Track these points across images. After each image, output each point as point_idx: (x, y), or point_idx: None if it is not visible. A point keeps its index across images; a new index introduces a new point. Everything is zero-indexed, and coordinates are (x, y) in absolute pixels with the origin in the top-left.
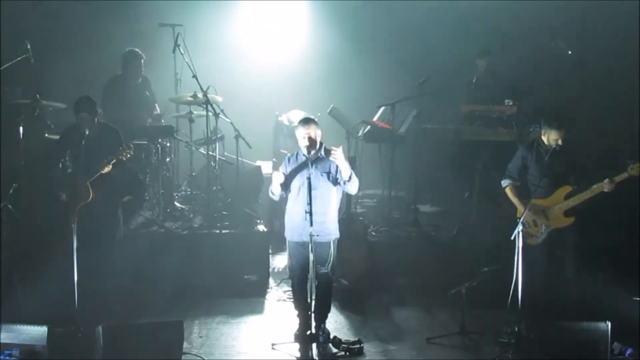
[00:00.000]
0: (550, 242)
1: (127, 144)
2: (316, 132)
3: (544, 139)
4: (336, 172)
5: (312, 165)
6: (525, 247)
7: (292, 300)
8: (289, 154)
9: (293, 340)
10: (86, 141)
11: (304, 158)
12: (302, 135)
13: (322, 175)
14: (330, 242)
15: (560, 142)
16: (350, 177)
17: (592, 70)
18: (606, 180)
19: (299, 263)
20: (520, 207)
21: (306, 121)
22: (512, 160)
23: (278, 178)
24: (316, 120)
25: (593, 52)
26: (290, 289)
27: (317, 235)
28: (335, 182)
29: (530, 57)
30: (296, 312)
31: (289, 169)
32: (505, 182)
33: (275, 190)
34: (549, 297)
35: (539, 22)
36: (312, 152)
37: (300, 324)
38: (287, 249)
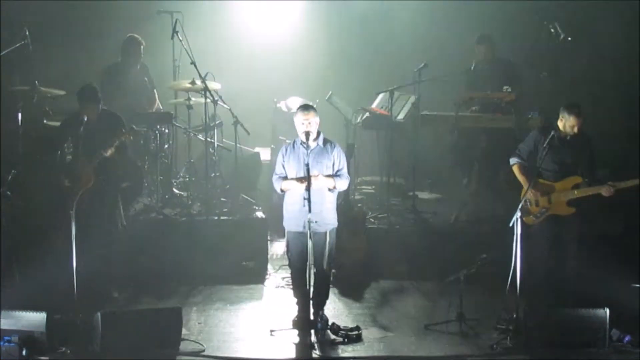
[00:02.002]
0: (553, 229)
1: (130, 127)
2: (315, 120)
3: (560, 125)
4: (333, 162)
5: (309, 154)
6: (526, 233)
7: (292, 287)
8: (285, 145)
9: (291, 326)
10: (85, 127)
11: (300, 146)
12: (300, 122)
13: (319, 164)
14: (327, 232)
15: (576, 129)
16: (335, 187)
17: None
18: (608, 183)
19: (297, 251)
20: (525, 186)
21: (305, 107)
22: (525, 141)
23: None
24: (315, 107)
25: (592, 42)
26: (289, 275)
27: (315, 222)
28: (332, 172)
29: (529, 43)
30: (295, 300)
31: (286, 159)
32: (513, 160)
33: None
34: (548, 284)
35: (538, 7)
36: (310, 140)
37: (299, 310)
38: (286, 238)
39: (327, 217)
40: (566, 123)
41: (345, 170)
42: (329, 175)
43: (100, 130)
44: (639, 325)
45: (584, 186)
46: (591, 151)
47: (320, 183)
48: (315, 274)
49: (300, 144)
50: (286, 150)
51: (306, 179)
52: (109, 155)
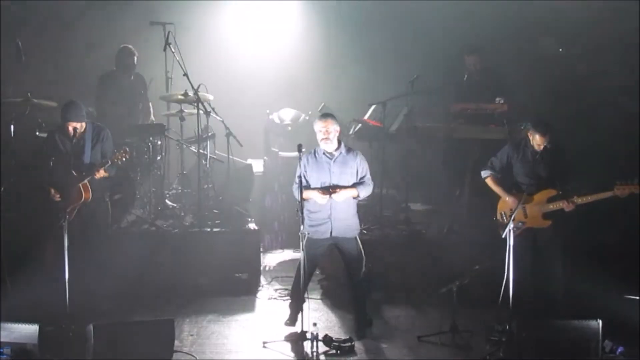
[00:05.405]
0: (532, 242)
1: (124, 148)
2: (334, 127)
3: (530, 139)
4: (357, 170)
5: (334, 163)
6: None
7: (290, 289)
8: (306, 155)
9: (284, 337)
10: (77, 141)
11: (323, 156)
12: (319, 129)
13: (343, 174)
14: (356, 237)
15: (541, 147)
16: (359, 195)
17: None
18: (572, 198)
19: (310, 257)
20: (504, 197)
21: (324, 115)
22: (497, 155)
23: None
24: (334, 115)
25: (586, 53)
26: (281, 287)
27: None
28: (357, 179)
29: (521, 55)
30: (289, 302)
31: (308, 169)
32: (485, 173)
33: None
34: (538, 295)
35: (530, 20)
36: (333, 149)
37: (292, 314)
38: (304, 244)
39: (353, 223)
40: (533, 140)
41: (368, 176)
42: (352, 185)
43: (90, 145)
44: (633, 336)
45: (558, 199)
46: (566, 162)
47: (342, 197)
48: (353, 278)
49: (323, 153)
50: (308, 160)
51: (327, 192)
52: (98, 177)
